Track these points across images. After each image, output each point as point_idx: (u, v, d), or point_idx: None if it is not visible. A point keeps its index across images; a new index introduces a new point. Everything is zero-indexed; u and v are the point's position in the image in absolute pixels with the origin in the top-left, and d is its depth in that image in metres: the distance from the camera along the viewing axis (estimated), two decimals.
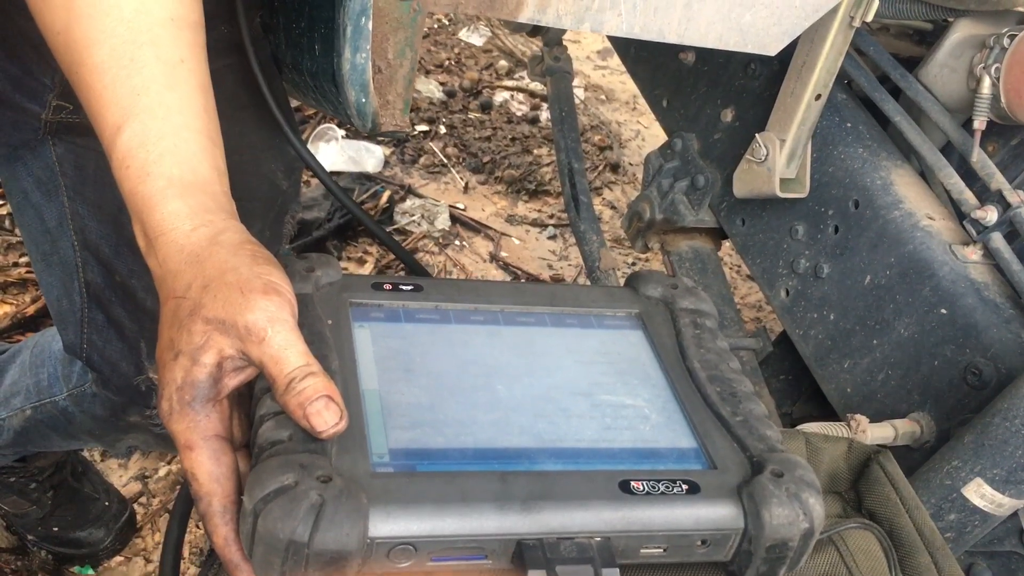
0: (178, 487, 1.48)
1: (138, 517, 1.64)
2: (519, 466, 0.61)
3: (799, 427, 1.04)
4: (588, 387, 0.69)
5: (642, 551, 0.61)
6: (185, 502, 0.66)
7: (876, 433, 1.11)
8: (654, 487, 0.60)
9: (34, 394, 1.27)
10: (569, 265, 2.56)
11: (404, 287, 0.73)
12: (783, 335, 1.53)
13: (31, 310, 1.83)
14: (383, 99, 0.89)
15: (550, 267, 2.54)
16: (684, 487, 0.61)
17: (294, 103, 1.26)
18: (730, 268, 2.63)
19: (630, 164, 2.98)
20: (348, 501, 0.53)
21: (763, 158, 1.29)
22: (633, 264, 2.58)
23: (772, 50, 1.09)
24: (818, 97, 1.24)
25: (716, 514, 0.61)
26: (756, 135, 1.29)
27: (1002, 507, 0.98)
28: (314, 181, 2.49)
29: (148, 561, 1.59)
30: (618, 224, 2.75)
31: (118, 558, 1.59)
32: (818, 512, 0.61)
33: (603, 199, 2.82)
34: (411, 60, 0.88)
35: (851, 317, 1.26)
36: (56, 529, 1.52)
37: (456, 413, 0.64)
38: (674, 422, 0.68)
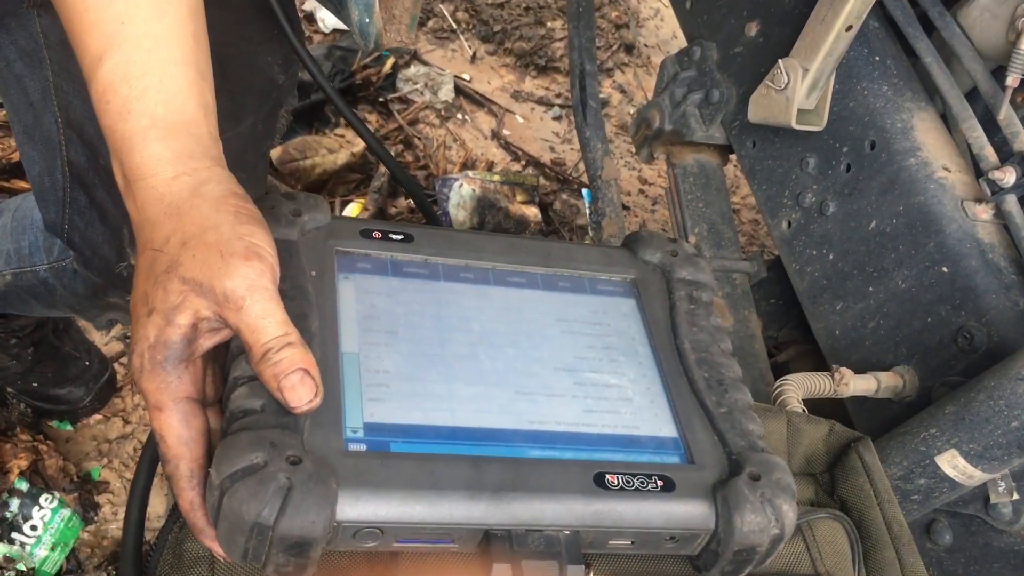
0: None
1: (119, 377, 1.65)
2: (494, 450, 0.60)
3: (782, 379, 1.03)
4: (573, 361, 0.67)
5: (610, 543, 0.60)
6: (154, 450, 0.65)
7: (859, 385, 1.11)
8: (628, 482, 0.60)
9: (14, 260, 1.25)
10: (571, 149, 2.50)
11: (394, 235, 0.70)
12: (778, 260, 1.51)
13: (16, 156, 1.78)
14: (388, 13, 0.83)
15: (552, 149, 2.48)
16: (659, 483, 0.60)
17: None
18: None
19: (646, 46, 2.87)
20: (317, 486, 0.52)
21: (783, 86, 1.24)
22: (634, 156, 2.53)
23: None
24: (849, 28, 1.18)
25: (688, 513, 0.60)
26: (779, 61, 1.23)
27: (972, 479, 0.99)
28: (316, 38, 2.39)
29: (127, 422, 1.61)
30: (625, 110, 2.67)
31: (97, 416, 1.61)
32: (790, 519, 0.61)
33: (614, 81, 2.73)
34: None
35: (850, 260, 1.24)
36: (35, 385, 1.53)
37: (436, 386, 0.62)
38: (657, 407, 0.66)
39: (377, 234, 0.69)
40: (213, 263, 0.55)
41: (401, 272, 0.69)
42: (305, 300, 0.62)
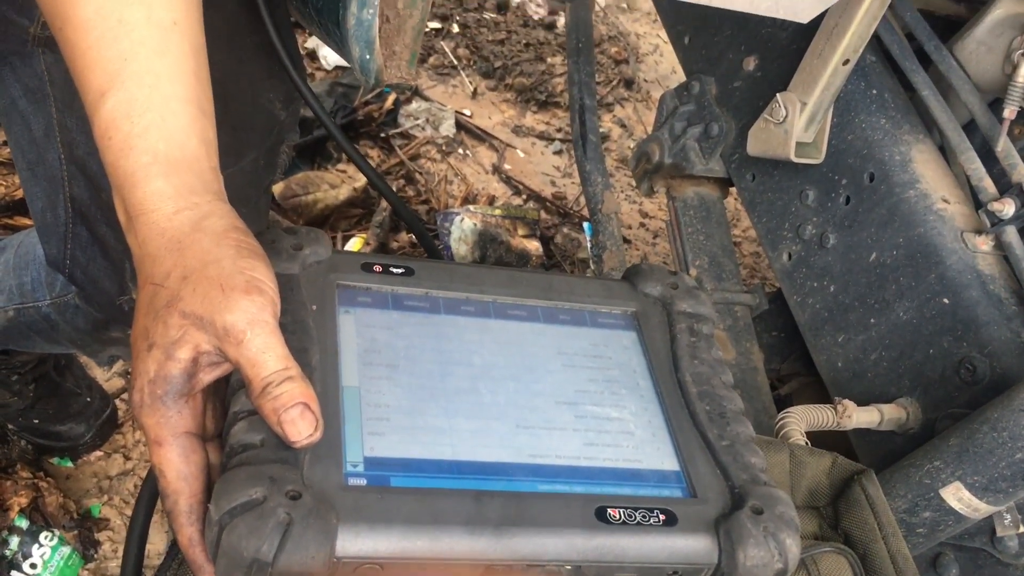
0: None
1: (120, 413, 1.65)
2: (495, 484, 0.59)
3: (784, 412, 1.03)
4: (574, 395, 0.67)
5: None
6: (153, 485, 0.64)
7: (862, 417, 1.10)
8: (631, 516, 0.59)
9: (17, 296, 1.25)
10: (572, 183, 2.51)
11: (395, 269, 0.70)
12: (780, 292, 1.51)
13: (20, 193, 1.79)
14: (389, 50, 0.84)
15: (553, 183, 2.50)
16: (661, 517, 0.60)
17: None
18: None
19: (645, 80, 2.90)
20: (316, 522, 0.52)
21: (781, 119, 1.25)
22: (635, 190, 2.54)
23: (805, 17, 1.04)
24: (846, 62, 1.19)
25: (691, 548, 0.60)
26: (777, 95, 1.24)
27: (978, 512, 0.98)
28: (318, 75, 2.42)
29: (127, 458, 1.61)
30: (626, 144, 2.69)
31: (97, 453, 1.60)
32: (794, 553, 0.60)
33: (614, 116, 2.75)
34: (422, 10, 0.83)
35: (851, 292, 1.24)
36: (37, 421, 1.53)
37: (436, 419, 0.62)
38: (659, 440, 0.66)
39: (378, 268, 0.69)
40: (214, 297, 0.55)
41: (402, 306, 0.69)
42: (306, 334, 0.62)
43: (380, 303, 0.68)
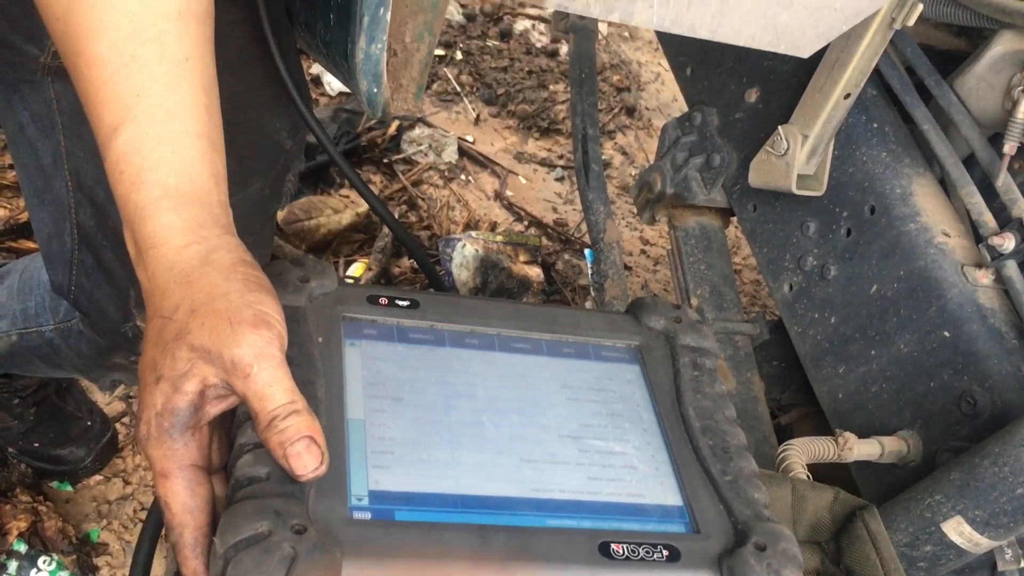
0: None
1: (120, 437, 1.65)
2: (499, 519, 0.60)
3: (786, 444, 1.03)
4: (578, 428, 0.67)
5: None
6: (158, 517, 0.64)
7: (862, 450, 1.10)
8: (634, 551, 0.60)
9: (20, 321, 1.26)
10: (573, 209, 2.52)
11: (400, 302, 0.70)
12: (781, 321, 1.51)
13: (25, 216, 1.80)
14: (396, 83, 0.85)
15: (554, 210, 2.51)
16: (664, 553, 0.60)
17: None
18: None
19: (647, 108, 2.91)
20: (321, 556, 0.52)
21: (783, 152, 1.26)
22: (636, 217, 2.55)
23: (806, 52, 1.05)
24: (847, 96, 1.20)
25: None
26: (779, 127, 1.25)
27: (979, 546, 0.98)
28: (322, 100, 2.43)
29: (127, 483, 1.60)
30: (627, 171, 2.70)
31: (97, 477, 1.60)
32: None
33: (615, 143, 2.77)
34: (429, 44, 0.84)
35: (852, 324, 1.24)
36: (37, 445, 1.53)
37: (441, 453, 0.62)
38: (662, 475, 0.66)
39: (383, 300, 0.70)
40: (222, 331, 0.55)
41: (407, 338, 0.69)
42: (312, 367, 0.63)
43: (385, 335, 0.69)
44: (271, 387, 0.56)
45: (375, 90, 0.78)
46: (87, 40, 0.59)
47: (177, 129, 0.60)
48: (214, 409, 0.58)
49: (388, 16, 0.75)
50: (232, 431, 0.60)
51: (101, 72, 0.59)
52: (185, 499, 0.56)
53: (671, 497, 0.65)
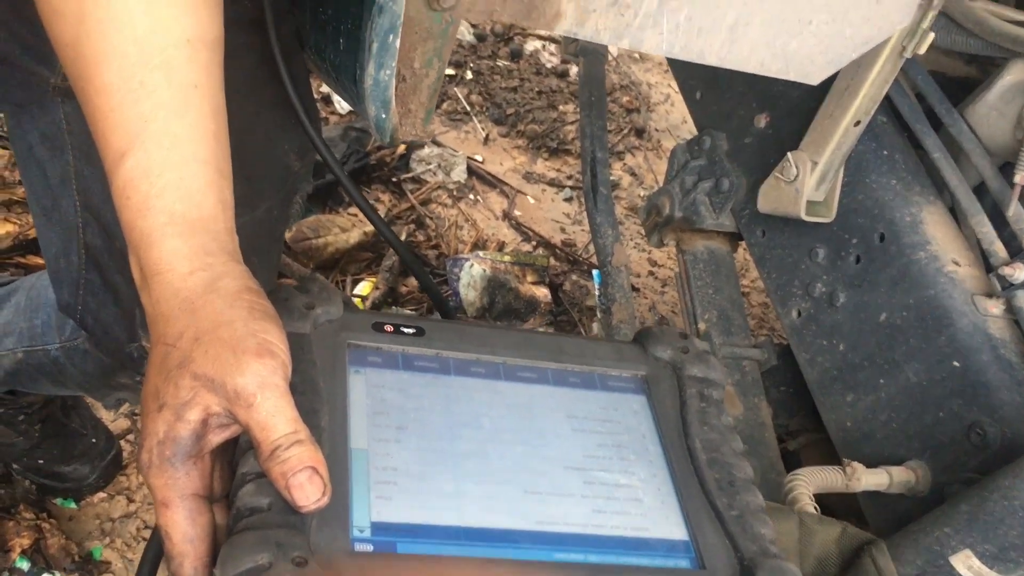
0: None
1: (125, 454, 1.64)
2: (503, 552, 0.59)
3: (793, 474, 1.02)
4: (583, 460, 0.67)
5: None
6: (158, 546, 0.64)
7: (870, 480, 1.09)
8: None
9: (27, 338, 1.26)
10: (582, 230, 2.52)
11: (406, 329, 0.70)
12: (788, 346, 1.50)
13: (34, 232, 1.80)
14: (404, 108, 0.85)
15: (562, 230, 2.50)
16: None
17: None
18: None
19: (656, 130, 2.92)
20: None
21: (792, 178, 1.25)
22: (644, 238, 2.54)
23: (815, 80, 1.04)
24: (857, 123, 1.19)
25: None
26: (788, 153, 1.25)
27: None
28: (332, 119, 2.44)
29: (131, 500, 1.60)
30: (636, 192, 2.70)
31: (101, 494, 1.60)
32: None
33: (624, 164, 2.77)
34: (438, 70, 0.84)
35: (861, 351, 1.23)
36: (41, 462, 1.52)
37: (445, 484, 0.62)
38: (667, 508, 0.66)
39: (389, 327, 0.70)
40: (225, 359, 0.55)
41: (412, 366, 0.69)
42: (316, 395, 0.62)
43: (391, 363, 0.68)
44: (274, 417, 0.55)
45: (383, 116, 0.78)
46: (96, 66, 0.59)
47: (184, 155, 0.60)
48: (217, 438, 0.57)
49: (397, 43, 0.75)
50: (234, 459, 0.59)
51: (109, 98, 0.59)
52: (186, 529, 0.56)
53: (676, 531, 0.64)
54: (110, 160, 0.61)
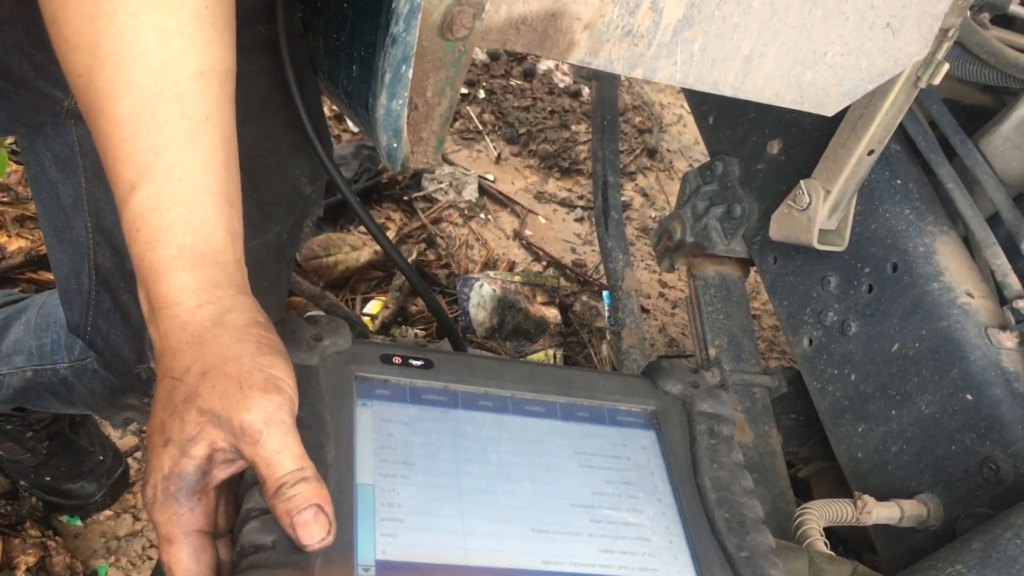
0: None
1: (132, 472, 1.64)
2: None
3: (803, 508, 1.01)
4: (591, 497, 0.66)
5: None
6: None
7: (881, 513, 1.08)
8: None
9: (36, 357, 1.26)
10: (592, 250, 2.51)
11: (414, 362, 0.70)
12: (799, 373, 1.49)
13: (45, 248, 1.81)
14: (416, 136, 0.84)
15: (573, 250, 2.50)
16: None
17: None
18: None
19: (668, 151, 2.91)
20: None
21: (805, 206, 1.25)
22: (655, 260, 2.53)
23: (829, 111, 1.04)
24: (871, 152, 1.19)
25: None
26: (801, 182, 1.24)
27: None
28: (344, 136, 2.44)
29: (136, 519, 1.60)
30: (647, 213, 2.70)
31: (107, 512, 1.59)
32: None
33: (636, 185, 2.76)
34: (450, 99, 0.84)
35: (872, 382, 1.22)
36: (48, 479, 1.52)
37: (451, 521, 0.61)
38: (675, 548, 0.65)
39: (397, 360, 0.69)
40: (232, 395, 0.55)
41: (420, 399, 0.68)
42: (322, 429, 0.62)
43: (398, 396, 0.68)
44: (280, 453, 0.55)
45: (395, 145, 0.78)
46: (108, 98, 0.59)
47: (195, 188, 0.60)
48: (222, 473, 0.57)
49: (410, 73, 0.74)
50: (240, 494, 0.59)
51: (121, 130, 0.59)
52: (189, 566, 0.55)
53: (685, 572, 0.64)
54: (120, 191, 0.60)
